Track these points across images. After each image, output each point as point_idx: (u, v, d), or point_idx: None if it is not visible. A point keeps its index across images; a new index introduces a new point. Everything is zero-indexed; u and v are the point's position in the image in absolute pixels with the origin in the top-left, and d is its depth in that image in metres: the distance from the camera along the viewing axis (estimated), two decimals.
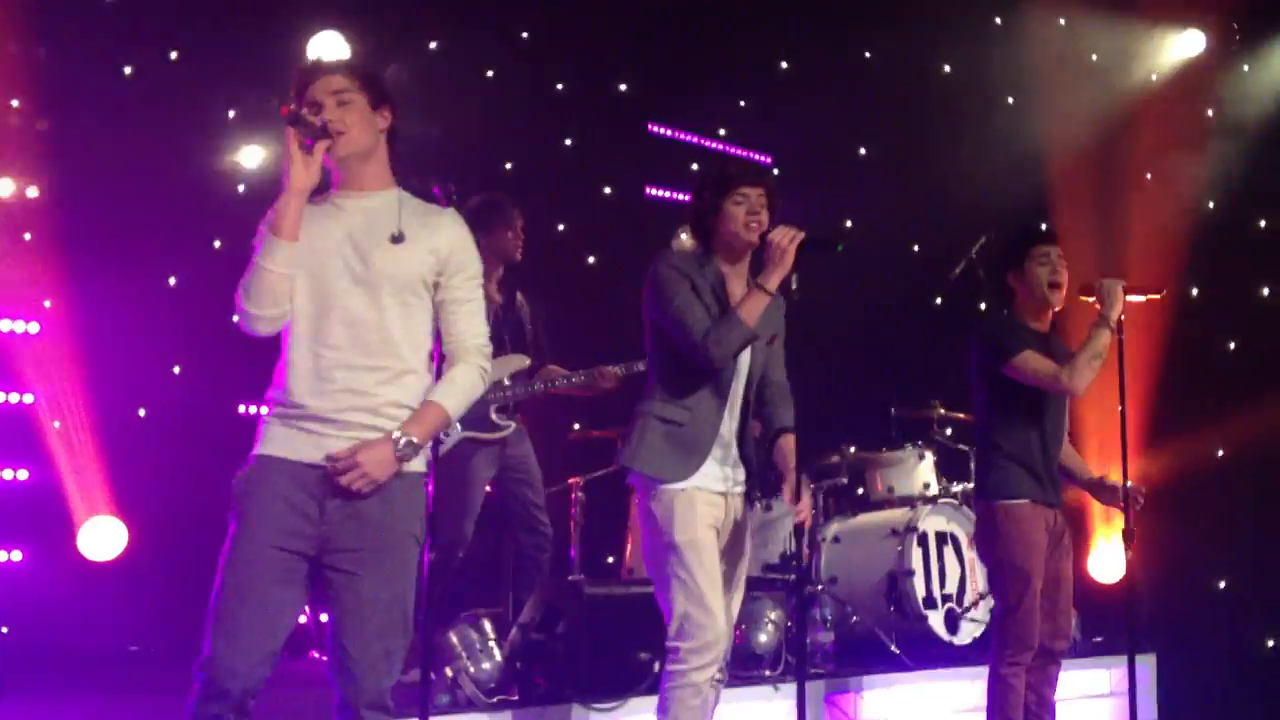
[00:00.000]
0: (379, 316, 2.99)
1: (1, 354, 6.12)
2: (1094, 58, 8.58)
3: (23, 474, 6.15)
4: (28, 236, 6.30)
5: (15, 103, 6.32)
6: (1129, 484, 4.51)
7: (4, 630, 3.99)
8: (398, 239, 3.03)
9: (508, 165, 7.64)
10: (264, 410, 3.05)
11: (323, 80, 3.06)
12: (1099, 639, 5.37)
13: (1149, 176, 8.41)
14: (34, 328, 6.23)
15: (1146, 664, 6.19)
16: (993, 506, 4.46)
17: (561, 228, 7.98)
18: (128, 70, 6.59)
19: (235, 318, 3.02)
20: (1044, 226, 4.82)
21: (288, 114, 2.95)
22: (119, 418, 6.23)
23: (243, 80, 6.81)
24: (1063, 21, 8.52)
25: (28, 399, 6.19)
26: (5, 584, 5.85)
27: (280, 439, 2.99)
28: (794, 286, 3.73)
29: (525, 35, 7.77)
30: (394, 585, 2.99)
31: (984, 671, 4.53)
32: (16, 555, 6.04)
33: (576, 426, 6.82)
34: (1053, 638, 4.50)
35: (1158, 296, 4.57)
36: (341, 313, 2.97)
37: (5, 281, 6.15)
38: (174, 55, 6.68)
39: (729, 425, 3.79)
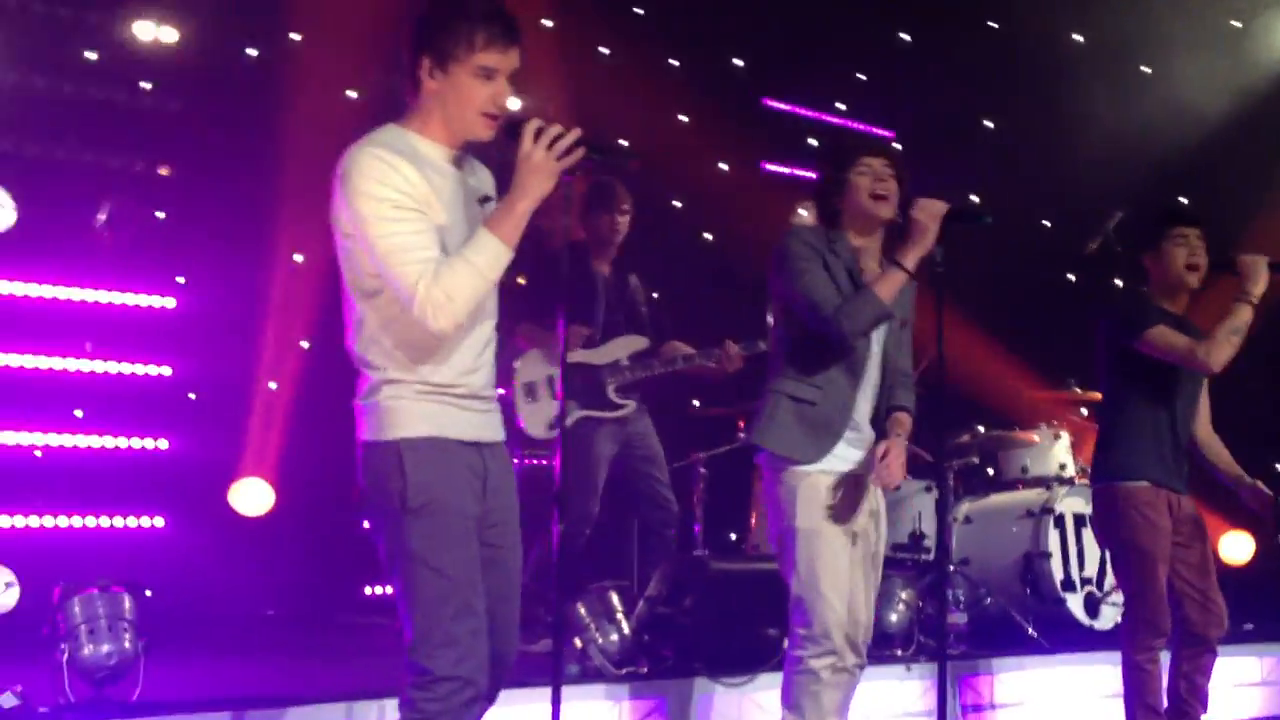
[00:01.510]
0: (491, 290, 2.85)
1: (140, 329, 6.29)
2: (1236, 23, 8.27)
3: (163, 444, 6.33)
4: (162, 215, 6.45)
5: (147, 85, 6.46)
6: (1270, 498, 4.41)
7: (148, 594, 4.12)
8: (488, 201, 2.90)
9: (622, 142, 7.61)
10: (388, 387, 2.76)
11: (515, 55, 2.77)
12: (1250, 626, 5.20)
13: None
14: (170, 303, 6.39)
15: None
16: (1112, 488, 4.34)
17: (677, 204, 7.95)
18: (252, 52, 6.68)
19: (433, 323, 2.67)
20: (1184, 206, 4.64)
21: (593, 146, 2.73)
22: (250, 390, 6.37)
23: (364, 59, 6.88)
24: None
25: (166, 371, 6.35)
26: (148, 550, 6.04)
27: (438, 418, 2.77)
28: (939, 260, 3.60)
29: (639, 11, 7.74)
30: (520, 556, 2.96)
31: (1123, 655, 4.40)
32: (159, 522, 6.24)
33: (696, 403, 6.80)
34: (1205, 625, 4.37)
35: None
36: None
37: (142, 259, 6.30)
38: (296, 37, 6.76)
39: (862, 406, 3.69)
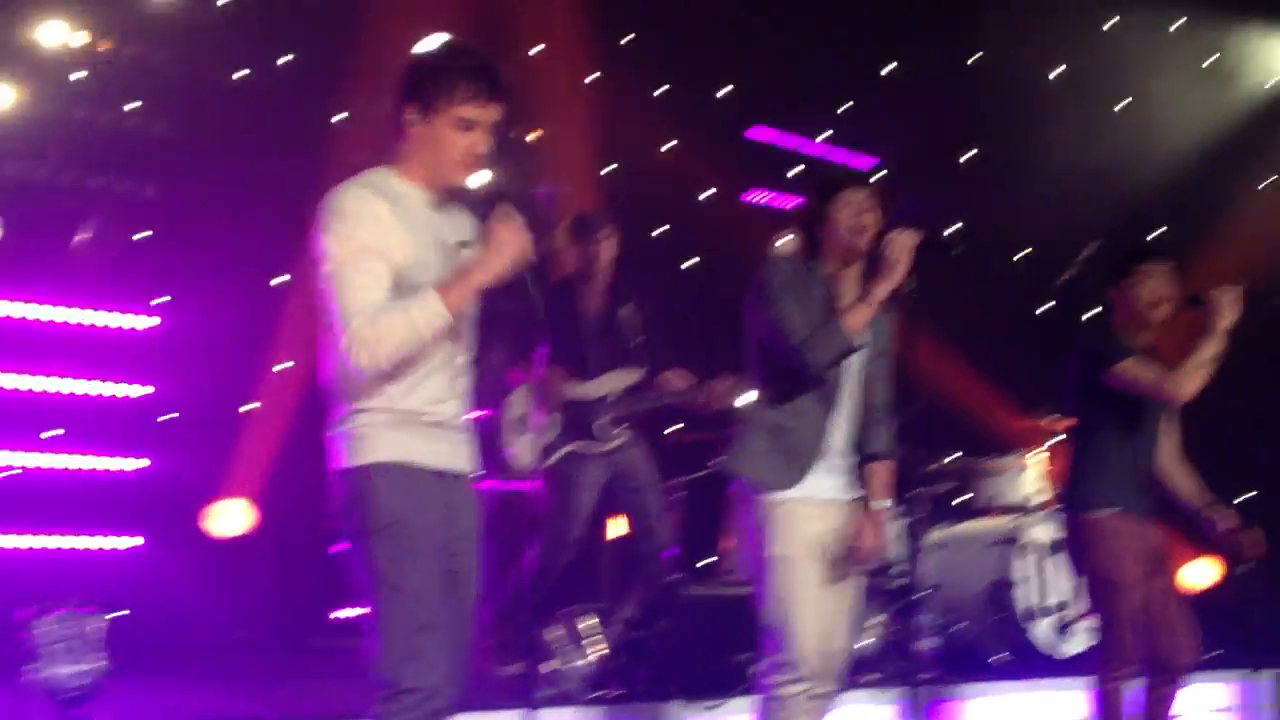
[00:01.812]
0: (467, 322, 2.98)
1: (122, 348, 6.29)
2: (1213, 59, 8.38)
3: (143, 462, 6.31)
4: (144, 235, 6.47)
5: (133, 105, 6.49)
6: (1237, 527, 4.48)
7: (122, 614, 4.14)
8: (468, 245, 2.98)
9: (608, 168, 7.69)
10: (359, 416, 2.85)
11: (495, 109, 2.89)
12: (1219, 652, 5.24)
13: (1269, 182, 8.20)
14: (153, 322, 6.40)
15: (1270, 679, 5.95)
16: (1081, 519, 4.41)
17: (658, 233, 8.01)
18: (240, 73, 6.72)
19: (355, 359, 2.76)
20: (1150, 242, 4.74)
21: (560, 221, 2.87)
22: (231, 411, 6.36)
23: (350, 83, 6.94)
24: (1182, 21, 8.33)
25: (146, 390, 6.35)
26: (126, 569, 6.03)
27: (407, 445, 2.86)
28: (909, 289, 3.65)
29: (626, 41, 7.81)
30: (478, 583, 3.00)
31: (1093, 683, 4.45)
32: (138, 540, 6.22)
33: (676, 428, 6.82)
34: (1172, 653, 4.40)
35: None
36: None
37: (125, 279, 6.32)
38: (283, 60, 6.81)
39: (839, 432, 3.71)
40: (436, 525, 2.85)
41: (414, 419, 2.86)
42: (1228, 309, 4.22)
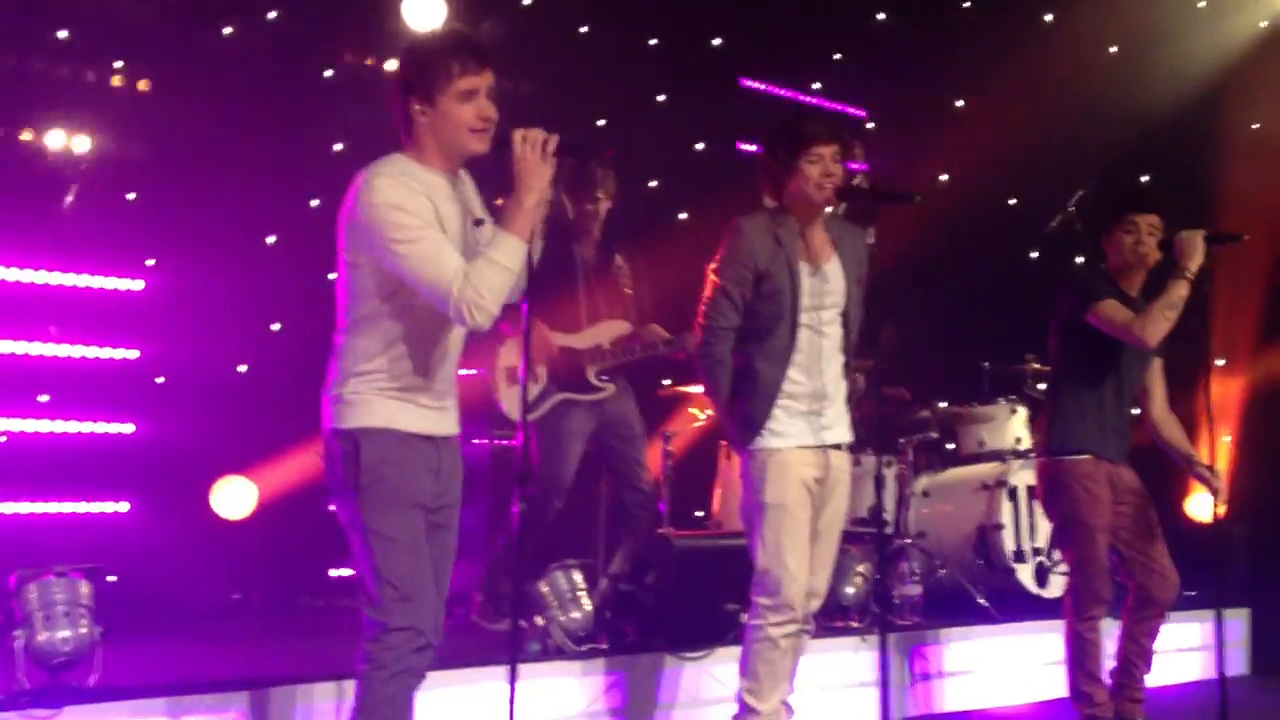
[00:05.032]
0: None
1: (108, 311, 6.25)
2: (1202, 4, 8.30)
3: (129, 428, 6.29)
4: (131, 196, 6.44)
5: (118, 64, 6.45)
6: (1212, 471, 4.54)
7: (111, 579, 4.15)
8: (480, 223, 3.21)
9: (600, 122, 7.65)
10: (353, 381, 3.07)
11: (488, 74, 3.10)
12: (1192, 593, 5.32)
13: (1256, 127, 8.13)
14: (138, 285, 6.37)
15: (1240, 618, 6.14)
16: (1054, 462, 4.49)
17: (654, 184, 7.98)
18: (227, 30, 6.68)
19: (469, 318, 2.96)
20: (1137, 192, 4.78)
21: (570, 146, 3.08)
22: (220, 373, 6.35)
23: (339, 39, 6.89)
24: None
25: (133, 354, 6.33)
26: (113, 534, 6.02)
27: (395, 413, 3.08)
28: (870, 240, 3.73)
29: None
30: (456, 536, 3.25)
31: (1066, 625, 4.52)
32: (124, 506, 6.21)
33: (667, 382, 6.84)
34: (1154, 589, 4.50)
35: (1239, 240, 4.45)
36: None
37: (111, 241, 6.29)
38: (272, 15, 6.76)
39: (820, 380, 3.80)
40: (419, 482, 3.09)
41: (406, 387, 3.09)
42: (1195, 252, 4.26)
